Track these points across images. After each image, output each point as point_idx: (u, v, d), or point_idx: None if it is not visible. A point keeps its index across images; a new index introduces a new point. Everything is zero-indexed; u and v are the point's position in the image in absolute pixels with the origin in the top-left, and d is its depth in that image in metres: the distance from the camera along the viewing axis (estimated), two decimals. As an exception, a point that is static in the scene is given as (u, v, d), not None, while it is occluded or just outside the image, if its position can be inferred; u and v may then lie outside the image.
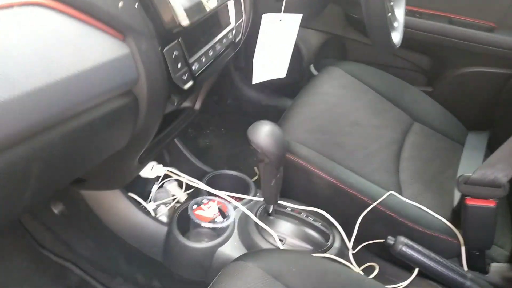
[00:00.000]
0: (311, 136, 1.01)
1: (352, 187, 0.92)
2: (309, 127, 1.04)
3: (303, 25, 0.94)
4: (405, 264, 0.88)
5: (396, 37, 0.95)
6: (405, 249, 0.81)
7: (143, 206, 0.96)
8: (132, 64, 0.50)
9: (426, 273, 0.85)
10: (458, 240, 0.91)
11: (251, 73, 0.84)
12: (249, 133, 0.73)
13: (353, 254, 0.92)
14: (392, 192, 0.95)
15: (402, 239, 0.82)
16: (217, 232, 0.87)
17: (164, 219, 0.96)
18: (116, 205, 0.89)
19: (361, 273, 0.88)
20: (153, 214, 0.95)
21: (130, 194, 0.93)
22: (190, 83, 0.63)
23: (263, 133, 0.72)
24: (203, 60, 0.67)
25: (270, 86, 1.62)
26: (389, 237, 0.84)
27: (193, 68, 0.64)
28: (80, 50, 0.44)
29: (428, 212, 0.93)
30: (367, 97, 1.22)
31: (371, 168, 1.02)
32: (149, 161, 0.89)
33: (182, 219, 0.89)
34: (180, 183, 1.08)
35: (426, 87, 1.45)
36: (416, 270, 0.88)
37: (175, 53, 0.58)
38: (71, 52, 0.42)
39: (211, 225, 0.85)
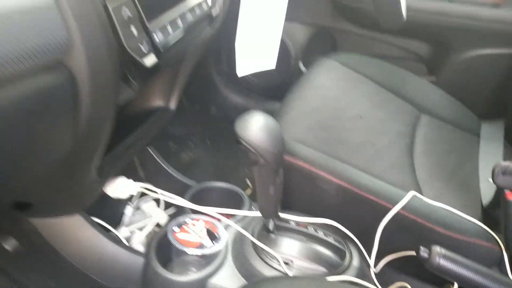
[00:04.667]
0: (310, 134, 0.86)
1: (367, 190, 0.76)
2: (308, 123, 0.89)
3: (288, 18, 0.79)
4: (438, 279, 0.72)
5: (403, 8, 0.81)
6: (444, 262, 0.64)
7: (113, 233, 0.78)
8: (56, 16, 0.33)
9: (466, 288, 0.69)
10: (497, 245, 0.76)
11: (235, 77, 0.70)
12: (237, 127, 0.57)
13: (375, 274, 0.75)
14: (414, 192, 0.79)
15: (438, 249, 0.65)
16: (206, 260, 0.69)
17: (140, 248, 0.78)
18: (78, 234, 0.71)
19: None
20: (126, 242, 0.77)
21: (95, 219, 0.75)
22: (153, 58, 0.46)
23: (255, 125, 0.56)
24: (170, 31, 0.51)
25: (257, 90, 1.48)
26: (422, 248, 0.67)
27: (156, 38, 0.47)
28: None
29: (458, 215, 0.78)
30: (367, 89, 1.09)
31: (383, 167, 0.87)
32: (114, 174, 0.71)
33: (163, 247, 0.71)
34: (159, 202, 0.91)
35: (428, 77, 1.32)
36: (456, 286, 0.71)
37: (125, 10, 0.41)
38: None
39: (198, 252, 0.68)
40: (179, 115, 1.45)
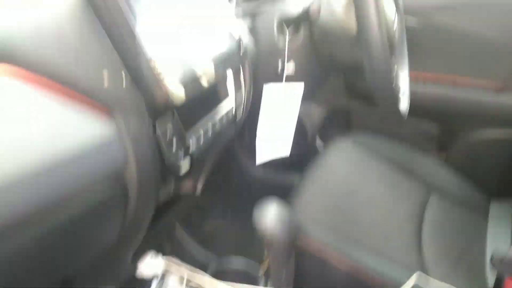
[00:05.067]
0: (326, 215, 0.94)
1: (375, 272, 0.82)
2: (322, 204, 0.97)
3: (305, 99, 0.90)
4: None
5: (403, 106, 0.91)
6: None
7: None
8: (119, 144, 0.44)
9: None
10: (503, 331, 0.79)
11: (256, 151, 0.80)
12: (256, 216, 0.66)
13: None
14: (420, 273, 0.84)
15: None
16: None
17: (163, 321, 0.85)
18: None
19: None
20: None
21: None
22: (187, 165, 0.56)
23: (270, 217, 0.64)
24: (202, 140, 0.61)
25: (276, 163, 1.56)
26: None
27: (190, 147, 0.57)
28: (55, 131, 0.37)
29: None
30: (380, 169, 1.16)
31: (392, 248, 0.92)
32: (145, 254, 0.79)
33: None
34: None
35: (438, 153, 1.39)
36: None
37: (169, 128, 0.52)
38: (45, 135, 0.36)
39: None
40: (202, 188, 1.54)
